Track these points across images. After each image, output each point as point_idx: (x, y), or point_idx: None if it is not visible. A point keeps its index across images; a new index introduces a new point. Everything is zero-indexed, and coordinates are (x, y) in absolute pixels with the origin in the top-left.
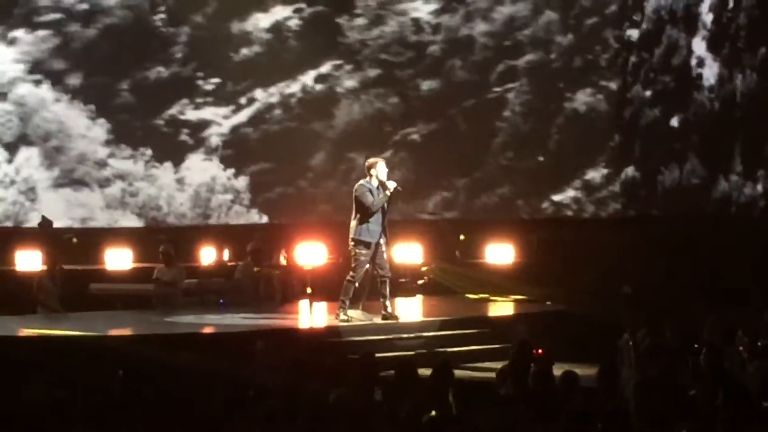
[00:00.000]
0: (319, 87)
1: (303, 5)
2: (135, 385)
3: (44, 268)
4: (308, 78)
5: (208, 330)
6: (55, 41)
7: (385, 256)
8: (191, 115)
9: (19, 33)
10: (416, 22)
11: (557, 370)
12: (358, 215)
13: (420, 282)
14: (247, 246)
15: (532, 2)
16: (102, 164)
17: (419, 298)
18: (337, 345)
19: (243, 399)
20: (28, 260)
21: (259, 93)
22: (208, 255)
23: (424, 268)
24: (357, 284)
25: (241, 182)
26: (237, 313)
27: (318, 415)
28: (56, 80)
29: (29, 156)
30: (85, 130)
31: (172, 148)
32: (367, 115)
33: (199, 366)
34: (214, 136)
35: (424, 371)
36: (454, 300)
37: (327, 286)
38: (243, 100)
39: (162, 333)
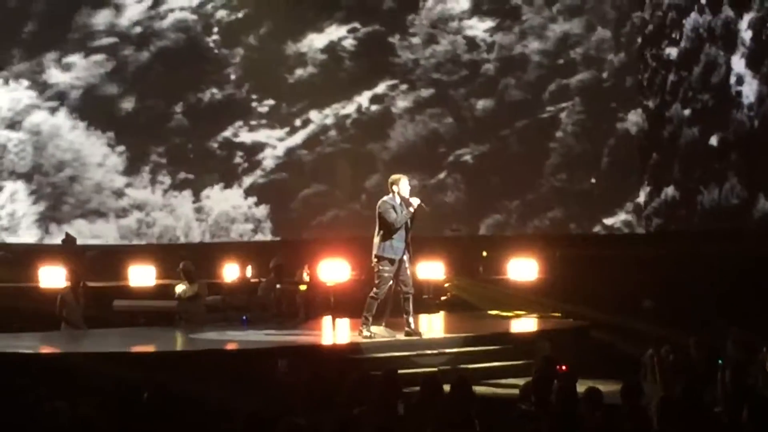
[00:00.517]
0: (374, 108)
1: (357, 25)
2: (159, 403)
3: (67, 284)
4: (363, 99)
5: (230, 347)
6: (109, 65)
7: (408, 272)
8: (245, 137)
9: (74, 58)
10: (471, 40)
11: (581, 387)
12: (382, 232)
13: (443, 298)
14: (270, 262)
15: (585, 19)
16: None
17: (442, 314)
18: (359, 361)
19: (266, 416)
20: (52, 277)
21: (314, 114)
22: (231, 272)
23: (446, 285)
24: (380, 301)
25: (297, 204)
26: (260, 329)
27: None
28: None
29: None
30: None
31: (226, 170)
32: (421, 135)
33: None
34: (269, 158)
35: (448, 388)
36: (476, 316)
37: (350, 303)
38: (298, 122)
39: (185, 350)
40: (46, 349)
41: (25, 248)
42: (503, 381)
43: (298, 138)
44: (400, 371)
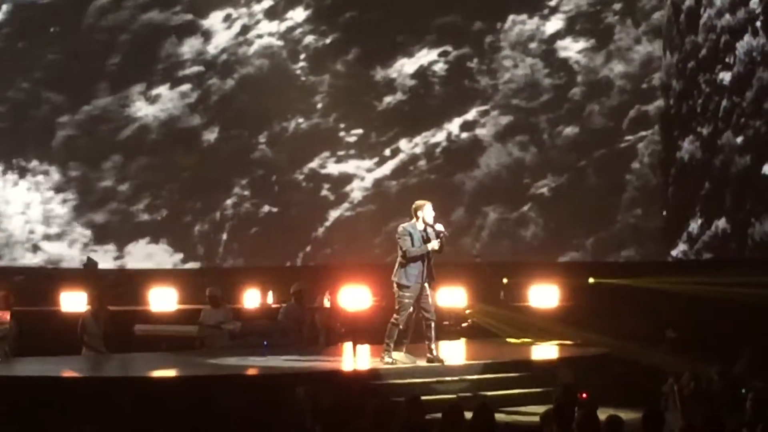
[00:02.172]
0: (464, 135)
1: (449, 48)
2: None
3: (89, 308)
4: (454, 126)
5: (251, 372)
6: (194, 95)
7: (430, 299)
8: (333, 168)
9: (161, 89)
10: (563, 62)
11: (602, 415)
12: (399, 258)
13: (463, 325)
14: (291, 288)
15: (666, 40)
16: None
17: (463, 341)
18: (380, 388)
19: None
20: (73, 301)
21: (403, 143)
22: (252, 297)
23: (467, 311)
24: (401, 327)
25: (381, 238)
26: (280, 355)
27: None
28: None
29: None
30: None
31: (312, 203)
32: (505, 165)
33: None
34: (356, 190)
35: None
36: (497, 343)
37: (370, 330)
38: (387, 152)
39: (205, 375)
40: (66, 374)
41: (45, 272)
42: (524, 408)
43: (387, 168)
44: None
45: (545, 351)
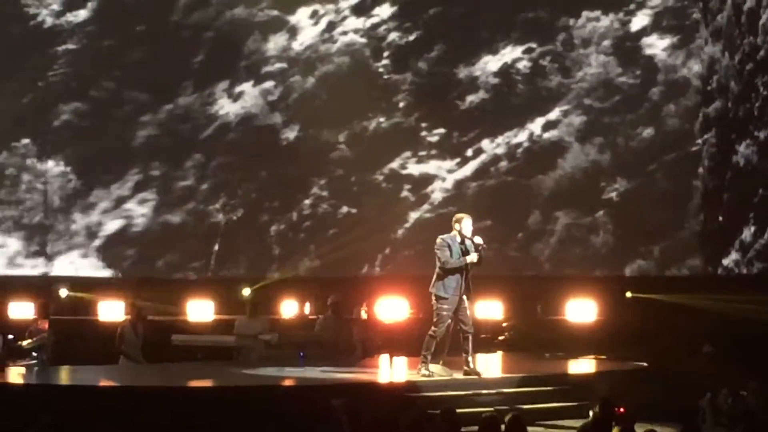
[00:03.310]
0: (546, 135)
1: (534, 44)
2: None
3: (127, 318)
4: (536, 126)
5: (287, 383)
6: (276, 93)
7: (468, 312)
8: (414, 169)
9: (245, 86)
10: (649, 60)
11: (639, 430)
12: (437, 270)
13: (500, 338)
14: (328, 299)
15: (726, 40)
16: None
17: (499, 354)
18: (416, 400)
19: None
20: (111, 311)
21: (486, 143)
22: (289, 308)
23: (504, 324)
24: (439, 339)
25: None
26: (317, 366)
27: None
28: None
29: None
30: None
31: (391, 204)
32: (581, 167)
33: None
34: (437, 191)
35: None
36: (534, 356)
37: (407, 342)
38: (469, 152)
39: (241, 385)
40: (104, 383)
41: (84, 281)
42: (561, 422)
43: (468, 169)
44: (457, 410)
45: (582, 365)
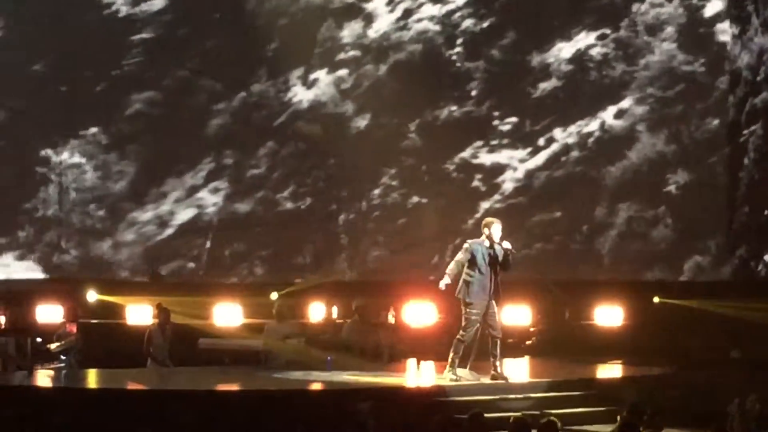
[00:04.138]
0: (617, 124)
1: (608, 30)
2: None
3: (155, 321)
4: (608, 114)
5: (314, 387)
6: (350, 81)
7: (496, 316)
8: (485, 158)
9: (319, 74)
10: (721, 48)
11: None
12: (463, 275)
13: (528, 343)
14: (353, 304)
15: None
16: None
17: (527, 358)
18: (444, 404)
19: None
20: (139, 314)
21: (557, 132)
22: (317, 312)
23: (531, 329)
24: (466, 343)
25: (523, 233)
26: (344, 370)
27: None
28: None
29: None
30: None
31: (463, 195)
32: (648, 158)
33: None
34: (508, 181)
35: None
36: (561, 361)
37: (434, 346)
38: (541, 141)
39: (268, 389)
40: (132, 386)
41: (112, 284)
42: (588, 427)
43: (540, 159)
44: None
45: (610, 370)
